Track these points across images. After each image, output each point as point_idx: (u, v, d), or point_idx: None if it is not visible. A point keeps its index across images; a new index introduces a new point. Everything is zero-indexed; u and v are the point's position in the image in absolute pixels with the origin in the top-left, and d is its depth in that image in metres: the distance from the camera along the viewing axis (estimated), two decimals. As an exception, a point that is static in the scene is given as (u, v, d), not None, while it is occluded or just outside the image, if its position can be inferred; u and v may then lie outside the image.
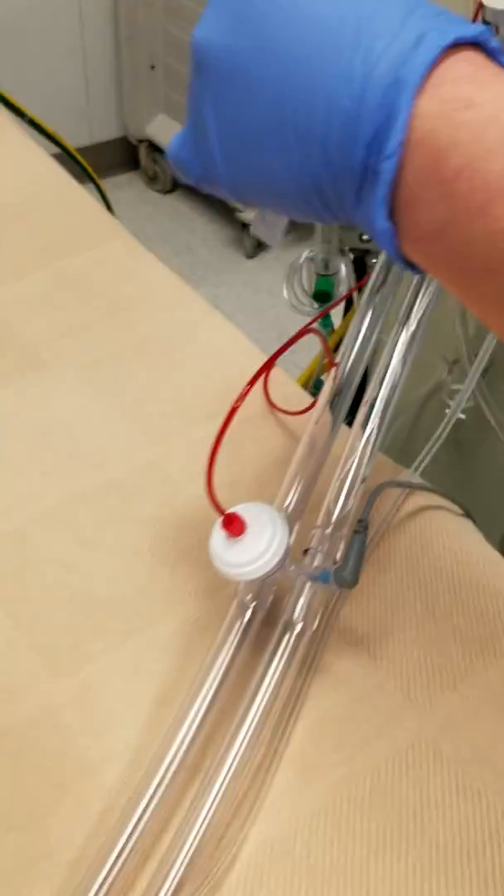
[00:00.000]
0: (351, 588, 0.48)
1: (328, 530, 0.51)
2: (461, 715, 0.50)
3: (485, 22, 0.81)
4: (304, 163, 0.31)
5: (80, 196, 0.97)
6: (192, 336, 0.78)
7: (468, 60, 0.29)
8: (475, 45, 0.30)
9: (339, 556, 0.50)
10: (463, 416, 1.08)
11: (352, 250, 1.14)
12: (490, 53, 0.30)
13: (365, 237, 1.10)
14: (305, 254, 1.07)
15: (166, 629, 0.54)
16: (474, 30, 0.30)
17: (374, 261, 1.16)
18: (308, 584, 0.50)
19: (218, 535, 0.48)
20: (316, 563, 0.51)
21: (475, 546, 0.59)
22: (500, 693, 0.51)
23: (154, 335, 0.78)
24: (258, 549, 0.47)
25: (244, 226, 2.29)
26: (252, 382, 0.50)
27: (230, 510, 0.48)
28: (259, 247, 2.35)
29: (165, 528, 0.60)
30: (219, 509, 0.47)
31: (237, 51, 0.32)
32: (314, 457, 0.56)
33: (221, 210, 2.37)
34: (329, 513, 0.52)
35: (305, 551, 0.51)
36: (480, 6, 0.68)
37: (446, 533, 0.60)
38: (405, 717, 0.50)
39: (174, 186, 2.54)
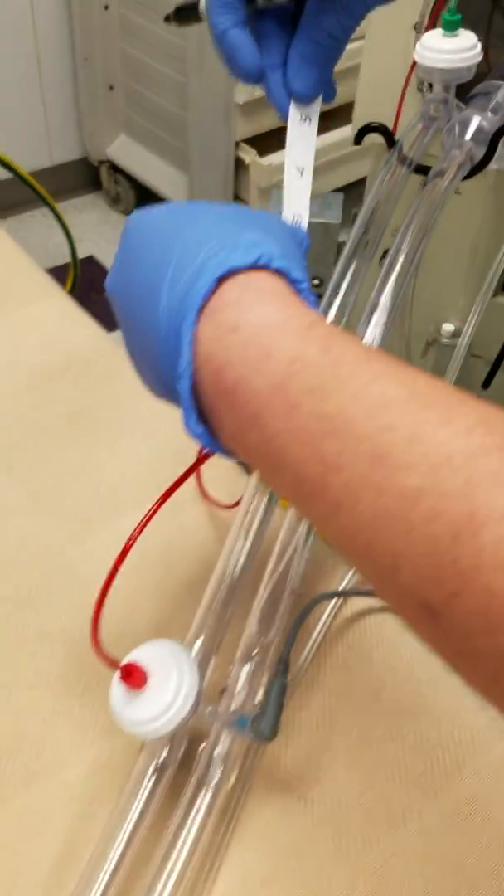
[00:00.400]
0: (269, 742, 0.44)
1: (248, 666, 0.47)
2: (396, 867, 0.45)
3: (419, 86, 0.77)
4: (153, 379, 0.39)
5: (7, 250, 0.92)
6: (129, 409, 0.73)
7: (240, 285, 0.34)
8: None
9: (259, 697, 0.46)
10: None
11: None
12: (278, 272, 0.35)
13: (315, 281, 1.06)
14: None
15: (73, 773, 0.49)
16: (250, 258, 0.34)
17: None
18: (225, 730, 0.45)
19: (118, 687, 0.43)
20: (235, 705, 0.46)
21: (416, 658, 0.55)
22: (438, 841, 0.46)
23: (86, 409, 0.73)
24: (163, 703, 0.42)
25: (208, 248, 2.24)
26: (168, 494, 0.45)
27: (129, 657, 0.43)
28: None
29: (76, 648, 0.55)
30: (110, 662, 0.42)
31: (117, 293, 0.40)
32: (236, 571, 0.51)
33: (185, 231, 2.31)
34: (250, 642, 0.48)
35: (223, 690, 0.47)
36: (414, 63, 0.64)
37: (385, 644, 0.55)
38: (335, 872, 0.45)
39: (138, 206, 2.48)
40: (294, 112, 0.51)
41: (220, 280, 0.34)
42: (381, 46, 0.89)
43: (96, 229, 2.44)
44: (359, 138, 0.64)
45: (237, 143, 2.04)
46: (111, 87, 2.24)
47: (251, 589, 0.50)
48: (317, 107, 0.52)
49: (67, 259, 2.11)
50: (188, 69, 1.92)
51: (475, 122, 0.62)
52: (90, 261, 2.33)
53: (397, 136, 0.74)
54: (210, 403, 0.35)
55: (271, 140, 2.05)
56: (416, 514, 0.27)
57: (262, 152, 2.03)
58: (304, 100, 0.51)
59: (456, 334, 0.95)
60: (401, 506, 0.28)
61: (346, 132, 2.14)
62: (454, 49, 0.62)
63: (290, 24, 0.49)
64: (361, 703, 0.52)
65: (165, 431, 0.70)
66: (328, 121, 2.12)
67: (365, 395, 0.30)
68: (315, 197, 1.01)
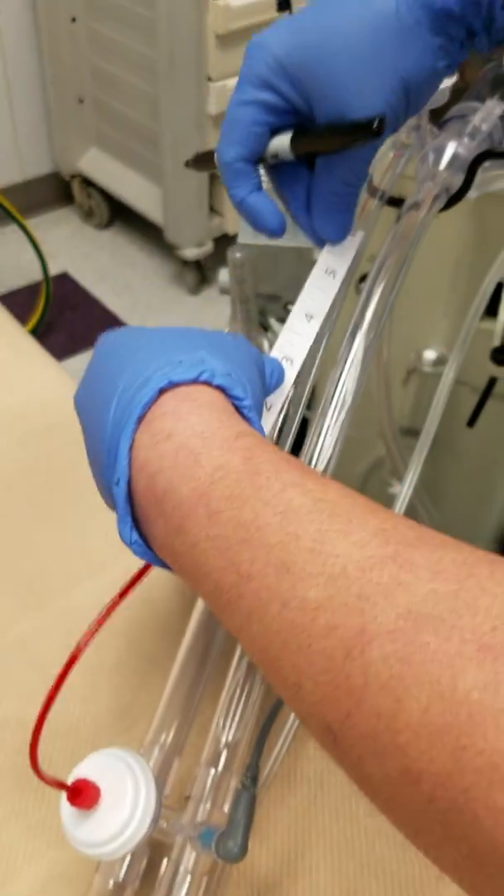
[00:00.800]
0: (237, 861, 0.39)
1: (214, 771, 0.42)
2: None
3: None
4: (101, 487, 0.38)
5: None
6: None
7: (178, 396, 0.36)
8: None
9: (226, 806, 0.41)
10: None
11: (279, 321, 1.05)
12: (219, 388, 0.37)
13: (290, 307, 1.01)
14: (225, 330, 0.98)
15: (24, 885, 0.45)
16: (192, 373, 0.36)
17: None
18: (189, 843, 0.41)
19: (67, 806, 0.38)
20: (200, 815, 0.41)
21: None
22: None
23: (41, 462, 0.68)
24: (118, 823, 0.38)
25: (185, 262, 2.19)
26: (122, 595, 0.40)
27: (78, 771, 0.39)
28: (202, 282, 2.26)
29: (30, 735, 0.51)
30: (55, 784, 0.37)
31: (80, 406, 0.40)
32: (201, 659, 0.46)
33: (161, 245, 2.27)
34: (216, 745, 0.43)
35: (188, 797, 0.42)
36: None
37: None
38: None
39: (111, 220, 2.44)
40: (321, 262, 0.51)
41: (162, 391, 0.36)
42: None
43: (70, 244, 2.40)
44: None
45: (211, 155, 1.99)
46: (81, 100, 2.19)
47: (221, 667, 0.46)
48: (346, 260, 0.51)
49: (40, 276, 2.06)
50: (159, 81, 1.88)
51: (451, 149, 0.58)
52: (64, 277, 2.28)
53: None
54: (144, 513, 0.35)
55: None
56: (315, 627, 0.28)
57: (237, 164, 1.99)
58: (337, 242, 0.51)
59: (438, 362, 0.91)
60: (302, 619, 0.29)
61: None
62: (426, 72, 0.58)
63: (309, 166, 0.50)
64: (342, 795, 0.48)
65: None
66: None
67: (276, 502, 0.31)
68: (287, 220, 0.97)
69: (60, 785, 0.37)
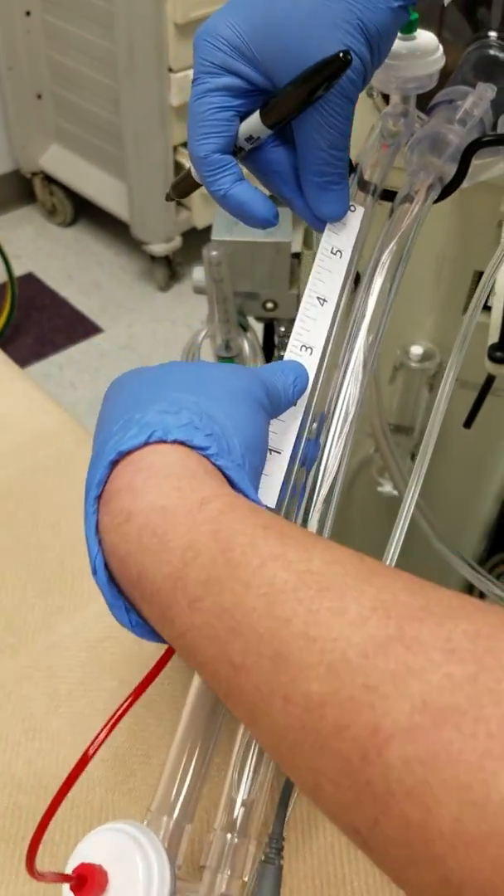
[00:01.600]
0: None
1: (231, 836, 0.38)
2: None
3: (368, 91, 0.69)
4: None
5: None
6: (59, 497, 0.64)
7: (131, 467, 0.33)
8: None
9: (246, 873, 0.37)
10: (395, 492, 0.97)
11: (258, 319, 1.01)
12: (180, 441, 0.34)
13: (269, 305, 0.98)
14: (202, 334, 0.94)
15: None
16: (140, 438, 0.33)
17: (282, 329, 1.04)
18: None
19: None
20: (217, 889, 0.37)
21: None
22: None
23: (13, 484, 0.64)
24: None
25: (153, 258, 2.14)
26: (137, 693, 0.36)
27: (79, 854, 0.35)
28: (172, 278, 2.21)
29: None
30: (59, 878, 0.33)
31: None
32: (211, 709, 0.42)
33: (128, 242, 2.22)
34: (231, 806, 0.39)
35: (203, 867, 0.38)
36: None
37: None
38: None
39: (76, 218, 2.38)
40: (325, 243, 0.47)
41: (116, 463, 0.33)
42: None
43: (33, 244, 2.34)
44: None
45: (175, 148, 1.94)
46: (39, 96, 2.13)
47: (232, 716, 0.42)
48: (350, 238, 0.48)
49: (5, 278, 2.00)
50: (119, 74, 1.82)
51: (441, 136, 0.54)
52: (29, 278, 2.22)
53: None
54: (128, 595, 0.33)
55: (211, 143, 1.95)
56: (325, 726, 0.25)
57: (203, 156, 1.94)
58: (338, 220, 0.48)
59: (425, 357, 0.87)
60: (309, 717, 0.26)
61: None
62: (413, 53, 0.54)
63: (289, 144, 0.47)
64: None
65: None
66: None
67: (257, 583, 0.29)
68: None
69: (63, 878, 0.33)
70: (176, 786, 0.40)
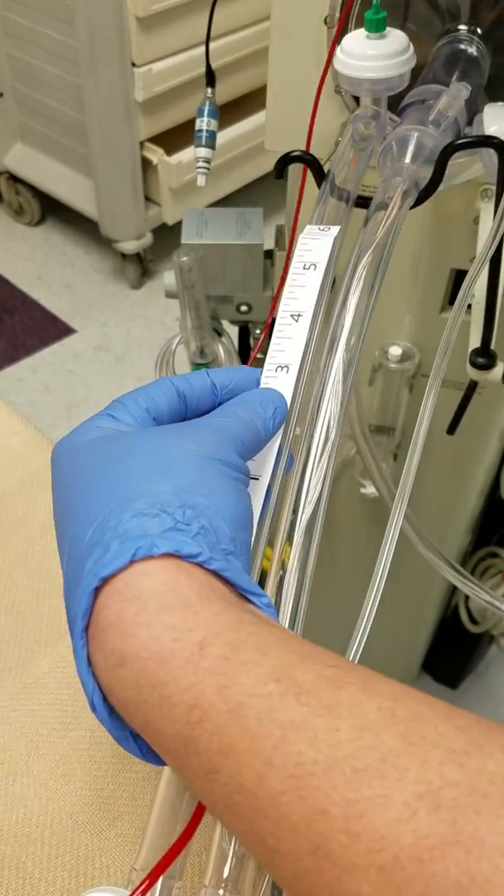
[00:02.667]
0: None
1: (221, 892, 0.36)
2: None
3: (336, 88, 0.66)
4: None
5: None
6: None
7: (116, 594, 0.29)
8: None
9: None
10: (376, 493, 0.95)
11: (233, 323, 0.99)
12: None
13: (243, 308, 0.96)
14: (176, 340, 0.91)
15: None
16: (123, 559, 0.29)
17: (258, 331, 1.02)
18: None
19: None
20: None
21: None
22: None
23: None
24: None
25: (124, 256, 2.11)
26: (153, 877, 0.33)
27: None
28: (144, 275, 2.18)
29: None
30: None
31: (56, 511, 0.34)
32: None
33: (98, 240, 2.18)
34: (222, 860, 0.37)
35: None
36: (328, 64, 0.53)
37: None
38: None
39: (43, 217, 2.34)
40: (297, 259, 0.45)
41: (99, 590, 0.30)
42: (288, 38, 0.78)
43: (1, 245, 2.29)
44: (279, 171, 0.53)
45: (142, 143, 1.91)
46: (1, 94, 2.08)
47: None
48: (324, 253, 0.46)
49: (-28, 284, 1.97)
50: (81, 70, 1.79)
51: (415, 139, 0.52)
52: (-1, 281, 2.18)
53: (313, 149, 0.63)
54: (135, 729, 0.29)
55: (178, 137, 1.92)
56: None
57: (170, 150, 1.91)
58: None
59: (404, 357, 0.85)
60: None
61: (259, 119, 2.03)
62: (382, 54, 0.52)
63: None
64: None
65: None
66: (238, 110, 2.00)
67: (281, 762, 0.25)
68: (231, 215, 0.90)
69: None
70: (162, 841, 0.38)
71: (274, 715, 0.26)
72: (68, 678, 0.52)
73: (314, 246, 0.44)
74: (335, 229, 0.45)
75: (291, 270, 0.44)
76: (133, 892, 0.30)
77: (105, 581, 0.29)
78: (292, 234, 0.60)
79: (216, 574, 0.31)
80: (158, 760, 0.31)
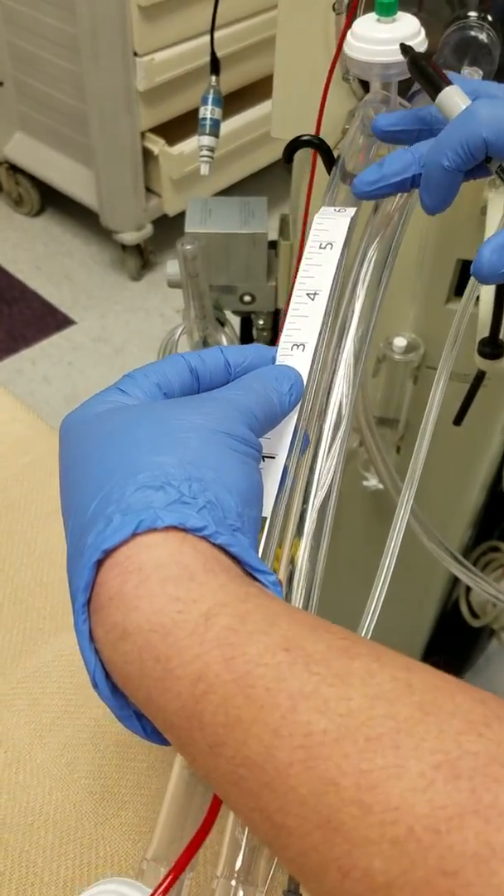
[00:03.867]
0: None
1: (236, 884, 0.36)
2: None
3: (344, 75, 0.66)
4: None
5: None
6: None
7: (117, 567, 0.28)
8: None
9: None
10: (381, 486, 0.95)
11: (236, 313, 0.98)
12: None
13: (246, 298, 0.95)
14: (179, 330, 0.91)
15: None
16: (126, 531, 0.28)
17: (261, 322, 1.01)
18: None
19: None
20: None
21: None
22: None
23: None
24: None
25: (124, 247, 2.10)
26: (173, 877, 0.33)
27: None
28: (144, 267, 2.17)
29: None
30: None
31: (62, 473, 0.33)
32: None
33: (98, 231, 2.17)
34: (235, 850, 0.36)
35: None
36: (338, 52, 0.53)
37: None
38: None
39: (43, 207, 2.33)
40: (313, 239, 0.44)
41: (101, 563, 0.29)
42: (295, 25, 0.78)
43: (0, 235, 2.28)
44: (288, 155, 0.52)
45: (143, 134, 1.90)
46: (1, 83, 2.07)
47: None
48: (341, 233, 0.45)
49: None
50: (83, 59, 1.78)
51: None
52: (-3, 270, 2.17)
53: (324, 134, 0.63)
54: (139, 707, 0.29)
55: (180, 127, 1.91)
56: None
57: (172, 141, 1.90)
58: None
59: (409, 349, 0.85)
60: None
61: (261, 110, 2.02)
62: (394, 38, 0.51)
63: None
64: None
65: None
66: (240, 100, 1.99)
67: (290, 732, 0.24)
68: (235, 204, 0.90)
69: None
70: (174, 830, 0.37)
71: (283, 684, 0.25)
72: (72, 667, 0.52)
73: (330, 226, 0.44)
74: (351, 210, 0.45)
75: (307, 249, 0.43)
76: (155, 892, 0.29)
77: (107, 554, 0.29)
78: (305, 216, 0.59)
79: (222, 549, 0.30)
80: (162, 740, 0.30)
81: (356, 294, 0.47)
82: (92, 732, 0.50)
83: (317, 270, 0.42)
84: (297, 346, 0.40)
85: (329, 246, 0.43)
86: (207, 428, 0.33)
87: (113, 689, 0.29)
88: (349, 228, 0.45)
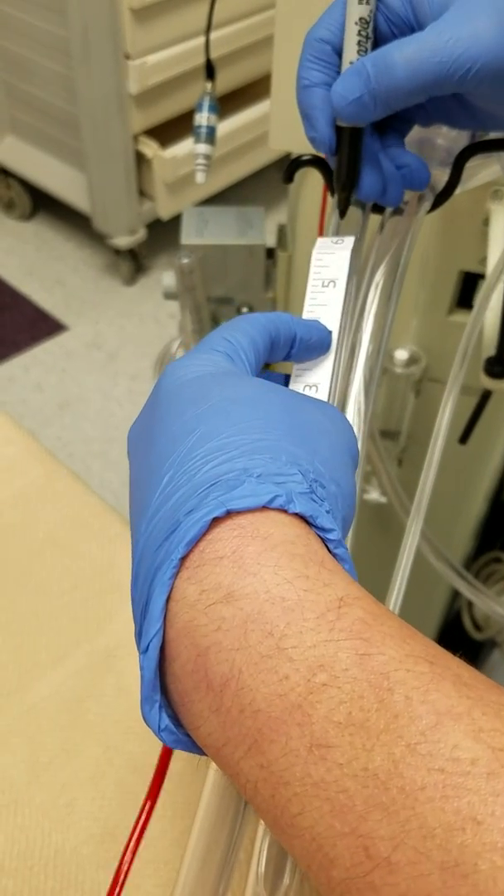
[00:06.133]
0: None
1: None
2: None
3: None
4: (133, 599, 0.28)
5: None
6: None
7: (239, 531, 0.25)
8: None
9: None
10: (384, 500, 0.93)
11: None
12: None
13: (244, 310, 0.93)
14: (176, 344, 0.89)
15: None
16: (260, 499, 0.25)
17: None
18: None
19: None
20: None
21: None
22: None
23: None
24: None
25: (117, 251, 2.08)
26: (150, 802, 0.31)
27: None
28: (137, 271, 2.15)
29: None
30: None
31: (132, 446, 0.31)
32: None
33: (91, 235, 2.15)
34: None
35: None
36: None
37: None
38: None
39: (35, 211, 2.31)
40: (315, 276, 0.43)
41: (216, 521, 0.25)
42: (294, 31, 0.76)
43: (-8, 240, 2.26)
44: (288, 176, 0.51)
45: (136, 137, 1.88)
46: (-9, 86, 2.05)
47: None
48: (343, 268, 0.43)
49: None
50: (73, 62, 1.76)
51: (430, 141, 0.50)
52: (-11, 276, 2.15)
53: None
54: (185, 694, 0.24)
55: (173, 129, 1.90)
56: None
57: (165, 143, 1.88)
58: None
59: (411, 361, 0.83)
60: None
61: (255, 111, 2.00)
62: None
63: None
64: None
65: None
66: (234, 102, 1.97)
67: (430, 751, 0.20)
68: (231, 214, 0.88)
69: None
70: (202, 873, 0.35)
71: (429, 697, 0.21)
72: (69, 703, 0.50)
73: (330, 261, 0.42)
74: (349, 241, 0.43)
75: (310, 289, 0.41)
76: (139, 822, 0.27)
77: (227, 515, 0.25)
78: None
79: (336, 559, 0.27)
80: (174, 739, 0.26)
81: (365, 315, 0.46)
82: (91, 772, 0.48)
83: (322, 310, 0.40)
84: (309, 387, 0.38)
85: (332, 284, 0.41)
86: (334, 438, 0.31)
87: (158, 665, 0.25)
88: (352, 261, 0.43)
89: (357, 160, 0.43)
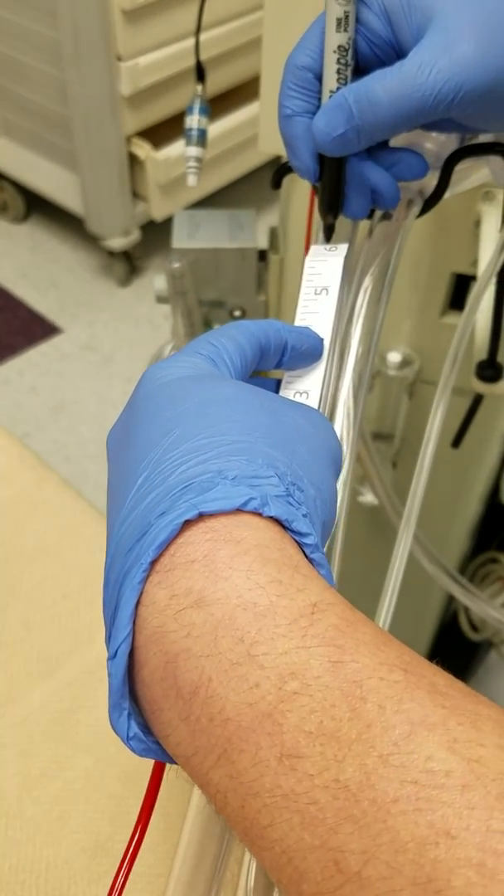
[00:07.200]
0: None
1: None
2: None
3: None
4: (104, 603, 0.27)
5: None
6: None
7: (212, 533, 0.24)
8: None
9: None
10: (376, 502, 0.93)
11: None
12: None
13: (236, 313, 0.93)
14: (168, 347, 0.88)
15: None
16: (234, 501, 0.25)
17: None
18: None
19: None
20: None
21: None
22: None
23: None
24: None
25: (111, 253, 2.08)
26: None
27: None
28: (132, 273, 2.15)
29: None
30: None
31: (111, 450, 0.31)
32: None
33: (85, 237, 2.15)
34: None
35: None
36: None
37: None
38: None
39: (28, 213, 2.30)
40: (307, 284, 0.43)
41: (188, 524, 0.25)
42: (283, 32, 0.76)
43: (-14, 243, 2.26)
44: (276, 182, 0.50)
45: (128, 138, 1.87)
46: (-17, 88, 2.04)
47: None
48: (336, 276, 0.43)
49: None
50: (65, 63, 1.75)
51: (418, 146, 0.50)
52: (-18, 279, 2.14)
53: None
54: (151, 699, 0.24)
55: (166, 131, 1.89)
56: None
57: (157, 144, 1.88)
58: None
59: (404, 364, 0.83)
60: None
61: (246, 113, 1.99)
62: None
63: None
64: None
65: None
66: (225, 103, 1.97)
67: (403, 762, 0.19)
68: (223, 217, 0.88)
69: None
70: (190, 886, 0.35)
71: (403, 706, 0.21)
72: (61, 714, 0.50)
73: (322, 269, 0.42)
74: (342, 248, 0.43)
75: (302, 296, 0.41)
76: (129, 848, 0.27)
77: (200, 517, 0.25)
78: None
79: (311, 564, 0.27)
80: (143, 748, 0.25)
81: (354, 320, 0.45)
82: (83, 784, 0.48)
83: (314, 318, 0.40)
84: (300, 394, 0.38)
85: (324, 291, 0.41)
86: (315, 442, 0.30)
87: (126, 673, 0.25)
88: (344, 268, 0.43)
89: (341, 187, 0.43)
